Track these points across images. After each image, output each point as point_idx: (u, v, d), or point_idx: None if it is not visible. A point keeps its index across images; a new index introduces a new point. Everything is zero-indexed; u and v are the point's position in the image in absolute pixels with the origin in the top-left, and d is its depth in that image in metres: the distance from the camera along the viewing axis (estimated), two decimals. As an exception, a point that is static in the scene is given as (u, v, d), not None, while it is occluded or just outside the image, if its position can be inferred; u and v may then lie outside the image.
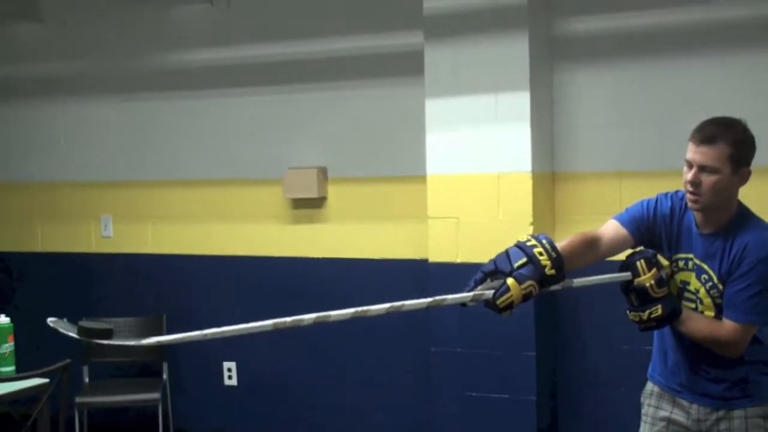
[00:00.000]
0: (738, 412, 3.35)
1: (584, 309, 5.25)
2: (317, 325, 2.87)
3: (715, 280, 3.27)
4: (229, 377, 6.64)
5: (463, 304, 3.14)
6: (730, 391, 3.35)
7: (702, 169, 3.17)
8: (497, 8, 5.45)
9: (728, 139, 3.17)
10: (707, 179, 3.17)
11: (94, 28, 7.00)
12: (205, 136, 6.68)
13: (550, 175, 5.63)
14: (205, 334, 2.78)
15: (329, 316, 2.91)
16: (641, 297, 3.24)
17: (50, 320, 2.92)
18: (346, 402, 6.32)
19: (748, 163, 3.23)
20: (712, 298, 3.29)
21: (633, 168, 5.45)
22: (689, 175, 3.21)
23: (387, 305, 3.01)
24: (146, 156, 6.88)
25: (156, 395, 6.36)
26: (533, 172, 5.42)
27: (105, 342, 2.92)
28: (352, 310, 2.98)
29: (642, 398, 3.60)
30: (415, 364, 5.99)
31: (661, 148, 5.31)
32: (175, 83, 6.75)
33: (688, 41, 5.33)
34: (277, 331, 6.31)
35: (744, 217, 3.31)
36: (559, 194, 5.65)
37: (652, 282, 3.21)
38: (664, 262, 3.29)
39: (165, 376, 6.60)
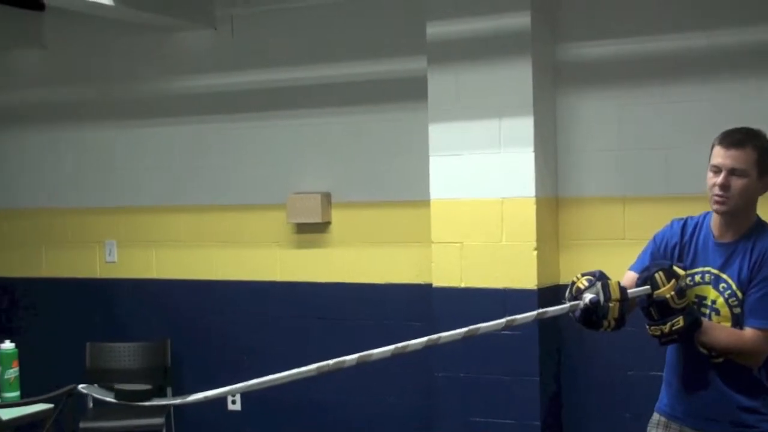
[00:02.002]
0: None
1: (588, 333, 5.21)
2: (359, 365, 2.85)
3: (734, 287, 3.27)
4: (233, 402, 6.62)
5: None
6: (737, 416, 3.32)
7: (732, 172, 3.23)
8: (500, 34, 5.47)
9: (755, 144, 3.26)
10: (736, 182, 3.23)
11: (97, 53, 7.03)
12: (209, 162, 6.70)
13: (554, 199, 5.63)
14: (249, 385, 2.76)
15: (371, 355, 2.90)
16: (661, 310, 3.19)
17: (82, 387, 2.88)
18: (350, 426, 6.30)
19: None
20: (731, 307, 3.28)
21: (637, 193, 5.44)
22: (719, 178, 3.25)
23: (435, 336, 3.08)
24: (150, 181, 6.89)
25: (160, 420, 6.34)
26: (537, 197, 5.43)
27: (147, 404, 2.87)
28: (392, 347, 3.00)
29: (648, 428, 3.57)
30: (420, 388, 5.97)
31: (665, 173, 5.30)
32: (179, 109, 6.78)
33: (692, 67, 5.35)
34: (282, 358, 6.34)
35: (762, 225, 3.36)
36: (563, 219, 5.65)
37: (672, 293, 3.17)
38: (680, 271, 3.27)
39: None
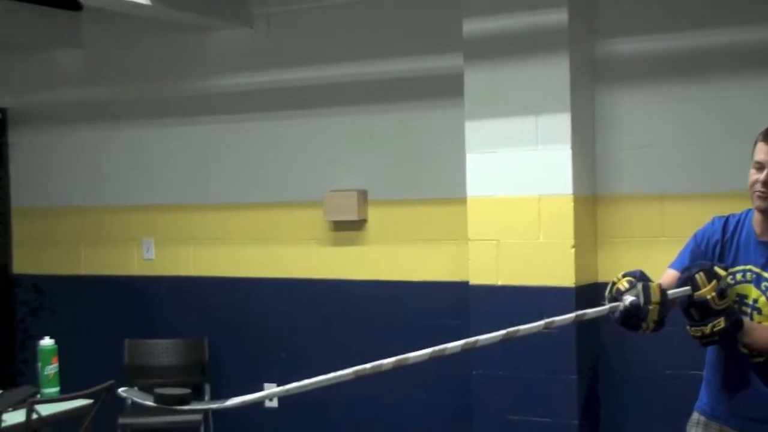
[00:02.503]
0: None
1: (626, 332, 5.19)
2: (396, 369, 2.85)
3: None
4: (270, 399, 6.64)
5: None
6: None
7: None
8: (538, 30, 5.45)
9: None
10: None
11: (134, 53, 7.07)
12: (247, 160, 6.72)
13: (591, 197, 5.60)
14: (286, 389, 2.77)
15: (408, 359, 2.89)
16: (702, 311, 3.14)
17: (122, 390, 2.90)
18: (386, 424, 6.31)
19: None
20: None
21: (676, 190, 5.40)
22: (762, 174, 3.22)
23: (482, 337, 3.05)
24: (188, 179, 6.93)
25: (198, 417, 6.37)
26: (574, 194, 5.40)
27: (186, 408, 2.89)
28: (430, 350, 2.99)
29: (688, 427, 3.54)
30: (457, 386, 5.96)
31: (704, 170, 5.26)
32: (216, 107, 6.80)
33: (732, 62, 5.30)
34: (318, 355, 6.36)
35: None
36: (601, 217, 5.62)
37: (713, 294, 3.12)
38: (722, 271, 3.23)
39: (207, 398, 6.61)
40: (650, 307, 3.05)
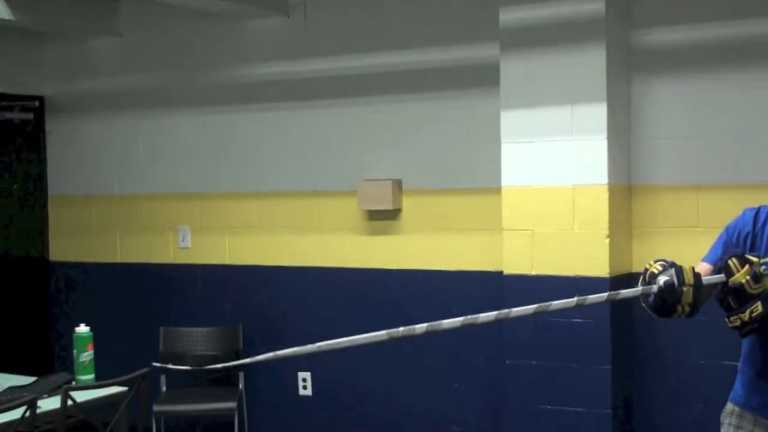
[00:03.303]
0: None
1: (660, 322, 5.19)
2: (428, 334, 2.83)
3: None
4: (304, 387, 6.67)
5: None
6: None
7: None
8: (574, 20, 5.43)
9: None
10: None
11: (171, 41, 7.10)
12: (281, 149, 6.74)
13: (626, 187, 5.58)
14: (320, 346, 2.76)
15: (441, 324, 2.87)
16: (739, 297, 3.11)
17: (157, 365, 2.91)
18: (420, 413, 6.31)
19: None
20: None
21: (711, 181, 5.37)
22: None
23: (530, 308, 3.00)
24: (223, 168, 6.95)
25: (232, 404, 6.41)
26: (609, 184, 5.38)
27: (218, 366, 2.91)
28: (462, 318, 2.90)
29: (722, 417, 3.52)
30: (490, 375, 5.96)
31: (740, 161, 5.23)
32: (251, 96, 6.82)
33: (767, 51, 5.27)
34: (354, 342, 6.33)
35: None
36: (635, 207, 5.59)
37: (748, 278, 3.09)
38: (754, 258, 3.22)
39: (241, 386, 6.66)
40: (684, 289, 3.02)
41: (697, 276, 3.06)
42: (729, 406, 3.50)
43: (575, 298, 3.09)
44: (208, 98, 7.01)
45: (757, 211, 3.40)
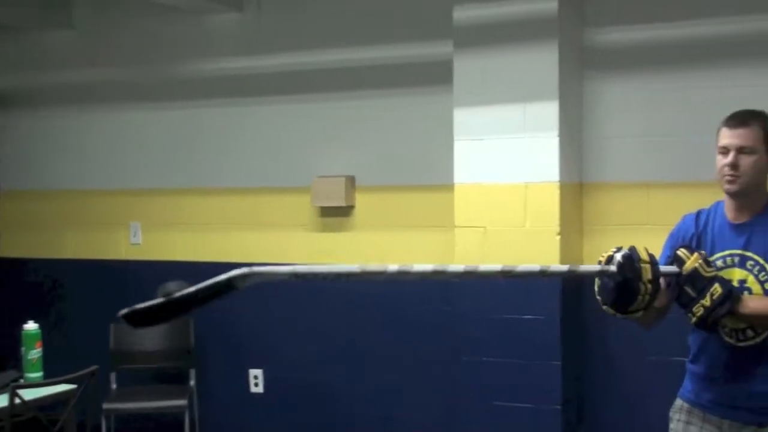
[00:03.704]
0: (769, 429, 3.33)
1: (611, 318, 5.23)
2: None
3: (762, 261, 3.27)
4: (256, 384, 6.65)
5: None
6: (763, 404, 3.31)
7: (740, 150, 3.28)
8: (527, 18, 5.45)
9: (760, 122, 3.33)
10: (746, 160, 3.28)
11: (124, 35, 7.04)
12: (235, 145, 6.71)
13: (578, 185, 5.62)
14: (295, 272, 2.68)
15: (412, 267, 2.84)
16: (695, 283, 3.18)
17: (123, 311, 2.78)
18: (373, 410, 6.31)
19: None
20: (762, 282, 3.27)
21: (661, 179, 5.43)
22: (728, 158, 3.29)
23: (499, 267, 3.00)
24: (176, 164, 6.91)
25: (183, 402, 6.37)
26: (561, 182, 5.41)
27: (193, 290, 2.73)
28: (433, 266, 2.90)
29: (671, 413, 3.56)
30: (445, 372, 5.97)
31: (690, 160, 5.27)
32: (205, 92, 6.78)
33: (720, 52, 5.32)
34: (305, 338, 6.36)
35: None
36: (586, 204, 5.63)
37: (700, 262, 3.18)
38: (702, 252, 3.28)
39: (192, 383, 6.62)
40: (642, 265, 3.05)
41: (651, 256, 3.10)
42: (678, 402, 3.54)
43: (539, 266, 3.11)
44: (161, 93, 6.95)
45: (698, 214, 3.50)
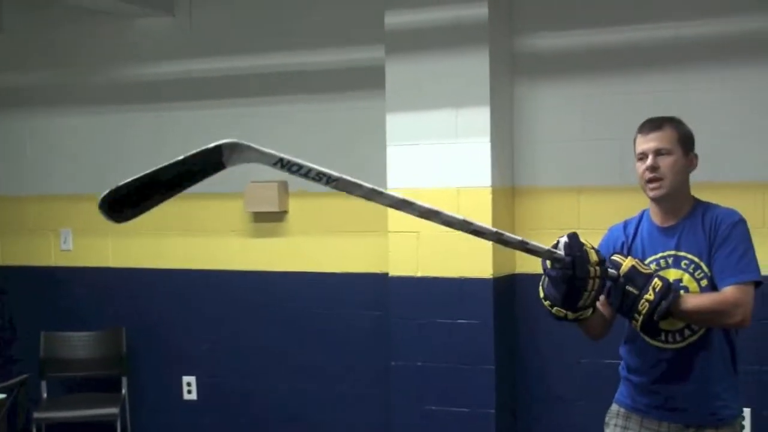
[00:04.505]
0: (709, 431, 3.36)
1: (543, 323, 5.29)
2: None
3: (697, 260, 3.31)
4: (189, 392, 6.61)
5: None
6: (697, 404, 3.35)
7: (657, 153, 3.34)
8: (458, 24, 5.48)
9: (672, 124, 3.41)
10: (664, 161, 3.33)
11: (56, 39, 6.96)
12: (167, 149, 6.62)
13: (510, 189, 5.66)
14: (281, 157, 2.58)
15: (382, 192, 2.72)
16: (635, 281, 3.17)
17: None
18: (307, 416, 6.31)
19: (693, 149, 3.42)
20: (698, 280, 3.30)
21: (592, 183, 5.49)
22: (648, 161, 3.35)
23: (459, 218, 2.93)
24: (107, 169, 6.83)
25: (114, 410, 6.32)
26: (493, 186, 5.45)
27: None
28: (427, 206, 2.83)
29: (607, 418, 3.58)
30: (378, 377, 5.99)
31: (620, 164, 5.32)
32: (136, 96, 6.73)
33: (647, 58, 5.39)
34: (238, 345, 6.32)
35: (703, 203, 3.43)
36: (519, 209, 5.68)
37: (636, 261, 3.22)
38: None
39: (124, 391, 6.56)
40: (587, 249, 3.04)
41: (591, 246, 3.10)
42: (614, 407, 3.57)
43: (495, 229, 3.07)
44: (92, 97, 6.89)
45: (624, 223, 3.56)
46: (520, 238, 3.09)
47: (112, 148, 6.83)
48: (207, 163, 2.46)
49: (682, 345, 3.34)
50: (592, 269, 3.03)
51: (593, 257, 3.04)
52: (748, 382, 4.56)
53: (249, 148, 2.48)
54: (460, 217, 2.91)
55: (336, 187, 2.67)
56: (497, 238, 3.11)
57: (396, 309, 5.70)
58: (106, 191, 2.33)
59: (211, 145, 2.45)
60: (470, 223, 2.96)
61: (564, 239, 3.08)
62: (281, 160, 2.59)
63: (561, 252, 3.05)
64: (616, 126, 5.40)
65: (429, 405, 5.62)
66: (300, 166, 2.62)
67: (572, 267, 3.03)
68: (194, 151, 2.42)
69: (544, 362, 5.66)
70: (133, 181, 2.40)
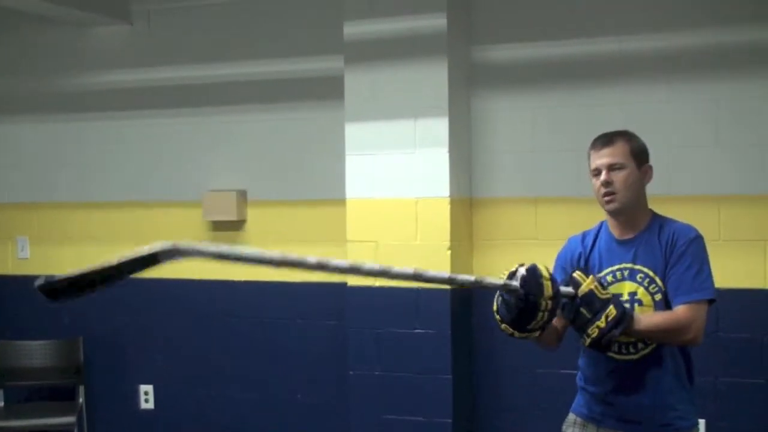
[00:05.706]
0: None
1: (500, 333, 5.32)
2: (319, 267, 2.68)
3: (652, 274, 3.35)
4: (146, 400, 6.58)
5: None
6: (652, 415, 3.38)
7: (611, 168, 3.39)
8: (417, 35, 5.51)
9: (624, 138, 3.45)
10: (618, 176, 3.38)
11: (11, 47, 6.93)
12: (125, 158, 6.64)
13: (467, 200, 5.69)
14: (220, 252, 2.58)
15: (330, 261, 2.75)
16: (590, 305, 3.20)
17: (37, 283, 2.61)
18: (265, 426, 6.29)
19: (647, 161, 3.47)
20: (652, 294, 3.34)
21: (549, 194, 5.53)
22: (602, 177, 3.40)
23: (412, 270, 2.90)
24: (64, 177, 6.81)
25: (71, 419, 6.29)
26: (451, 197, 5.48)
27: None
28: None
29: (564, 427, 3.60)
30: (335, 387, 5.99)
31: (576, 174, 5.35)
32: (93, 104, 6.70)
33: (603, 71, 5.44)
34: (195, 356, 6.31)
35: (661, 217, 3.47)
36: (476, 219, 5.71)
37: (596, 284, 3.22)
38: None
39: (81, 400, 6.53)
40: (543, 282, 3.05)
41: (551, 274, 3.12)
42: (571, 416, 3.60)
43: (448, 274, 3.10)
44: (50, 106, 6.85)
45: (583, 235, 3.59)
46: (473, 278, 3.12)
47: (69, 157, 6.79)
48: (144, 264, 2.49)
49: (636, 357, 3.38)
50: (544, 302, 3.06)
51: (548, 291, 3.06)
52: (703, 394, 4.62)
53: (185, 251, 2.48)
54: (411, 270, 2.91)
55: (280, 267, 2.71)
56: (451, 283, 3.14)
57: (354, 319, 5.71)
58: (42, 281, 2.35)
59: (147, 250, 2.45)
60: (421, 275, 2.97)
61: (522, 271, 3.08)
62: (219, 254, 2.60)
63: (516, 283, 3.06)
64: (572, 137, 5.44)
65: (387, 414, 5.63)
66: (238, 256, 2.65)
67: (525, 300, 3.05)
68: (129, 255, 2.43)
69: (501, 372, 5.69)
70: (66, 278, 2.44)
